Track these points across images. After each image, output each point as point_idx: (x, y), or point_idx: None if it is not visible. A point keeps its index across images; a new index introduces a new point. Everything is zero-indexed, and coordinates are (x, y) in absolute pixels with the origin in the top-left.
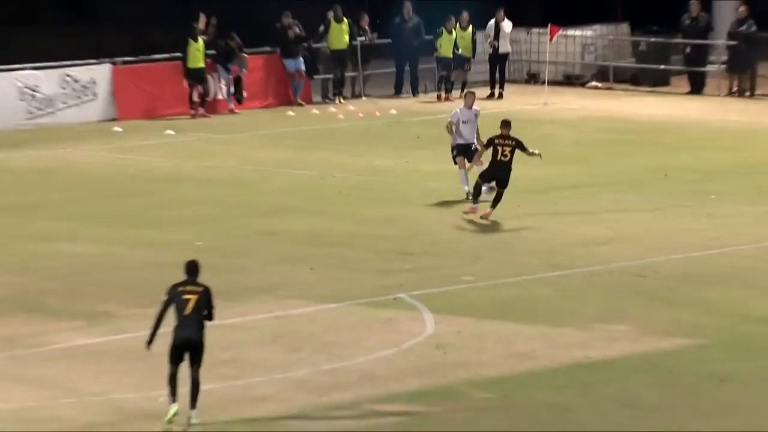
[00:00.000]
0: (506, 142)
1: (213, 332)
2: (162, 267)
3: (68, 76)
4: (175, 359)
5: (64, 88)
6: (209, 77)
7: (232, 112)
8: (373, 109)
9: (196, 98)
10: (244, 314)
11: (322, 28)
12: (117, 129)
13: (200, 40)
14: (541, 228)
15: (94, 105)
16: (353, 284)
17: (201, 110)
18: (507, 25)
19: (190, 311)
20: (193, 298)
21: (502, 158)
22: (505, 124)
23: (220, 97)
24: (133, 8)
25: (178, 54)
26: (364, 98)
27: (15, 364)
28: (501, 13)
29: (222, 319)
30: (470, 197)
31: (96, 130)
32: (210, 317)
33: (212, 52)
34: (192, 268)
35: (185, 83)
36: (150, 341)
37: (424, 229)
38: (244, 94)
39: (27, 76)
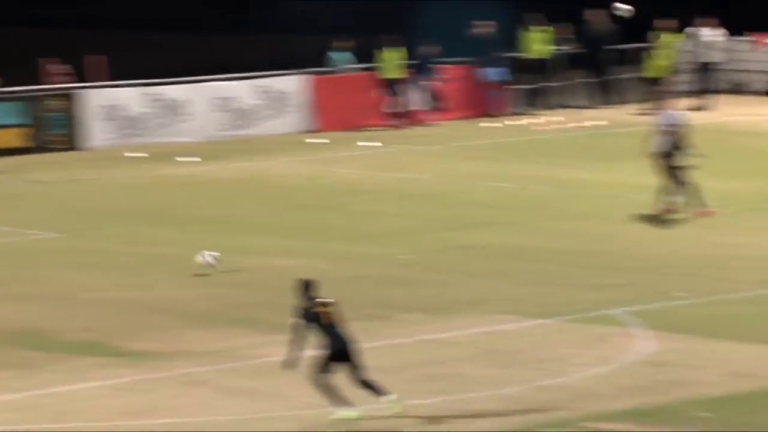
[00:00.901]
0: None
1: (424, 346)
2: (364, 281)
3: (265, 87)
4: (329, 370)
5: (261, 99)
6: (406, 87)
7: (429, 123)
8: (574, 119)
9: (392, 109)
10: (452, 329)
11: (517, 36)
12: (315, 140)
13: (395, 50)
14: (757, 245)
15: (292, 116)
16: (561, 299)
17: (398, 121)
18: (712, 33)
19: (335, 322)
20: (329, 311)
21: None
22: None
23: (416, 107)
24: (329, 16)
25: (374, 64)
26: (565, 108)
27: (229, 377)
28: (705, 21)
29: (431, 334)
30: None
31: (293, 142)
32: None
33: (410, 61)
34: (310, 285)
35: (381, 93)
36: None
37: (629, 243)
38: (442, 104)
39: (223, 87)
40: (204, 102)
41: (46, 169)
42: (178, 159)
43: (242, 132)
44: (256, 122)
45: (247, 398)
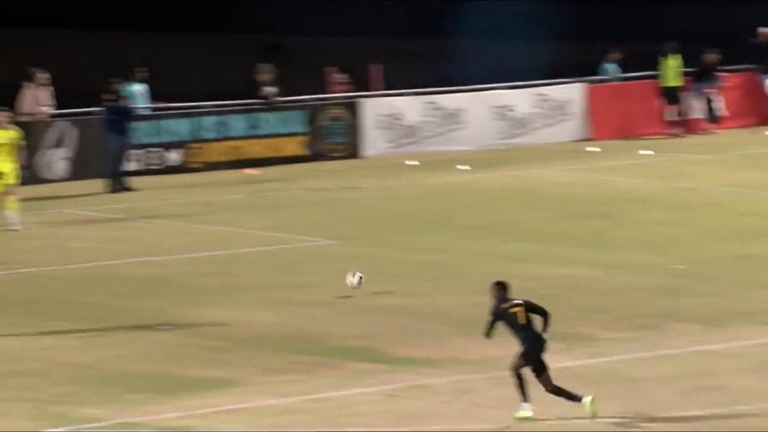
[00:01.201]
0: None
1: (694, 357)
2: (639, 290)
3: (542, 95)
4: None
5: (538, 108)
6: (686, 95)
7: (708, 131)
8: None
9: (672, 117)
10: (726, 340)
11: None
12: (591, 149)
13: (676, 57)
14: None
15: (569, 124)
16: None
17: (677, 129)
18: None
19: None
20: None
21: None
22: None
23: (697, 116)
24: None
25: (654, 72)
26: None
27: (496, 385)
28: None
29: (703, 345)
30: None
31: (569, 150)
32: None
33: (690, 69)
34: (505, 286)
35: (661, 102)
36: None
37: None
38: (722, 113)
39: (501, 95)
40: (481, 110)
41: (324, 177)
42: (459, 167)
43: (518, 140)
44: (532, 131)
45: (512, 407)
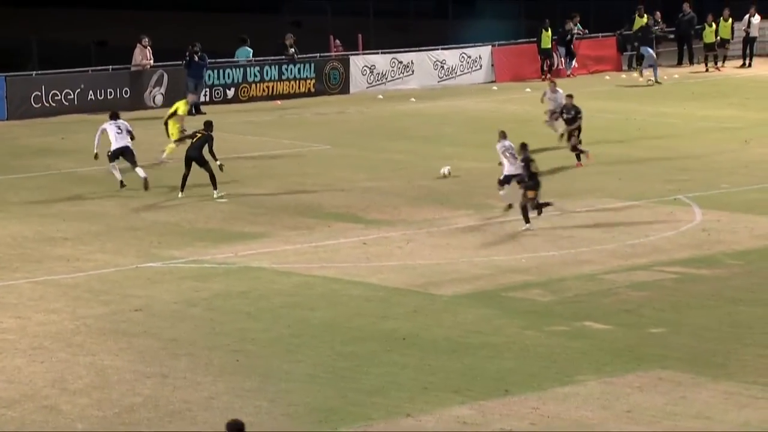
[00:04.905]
0: None
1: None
2: None
3: (464, 53)
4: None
5: (461, 61)
6: (554, 54)
7: (568, 76)
8: (660, 75)
9: (545, 68)
10: (574, 208)
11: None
12: (494, 88)
13: (549, 29)
14: None
15: (479, 72)
16: (646, 189)
17: (548, 76)
18: (756, 18)
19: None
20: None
21: None
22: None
23: (561, 67)
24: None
25: (534, 39)
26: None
27: (430, 237)
28: (752, 9)
29: (554, 210)
30: None
31: (481, 89)
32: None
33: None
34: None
35: (538, 58)
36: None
37: (694, 153)
38: (575, 63)
39: (438, 54)
40: (425, 63)
41: (325, 106)
42: (411, 100)
43: (447, 83)
44: (457, 76)
45: (443, 250)
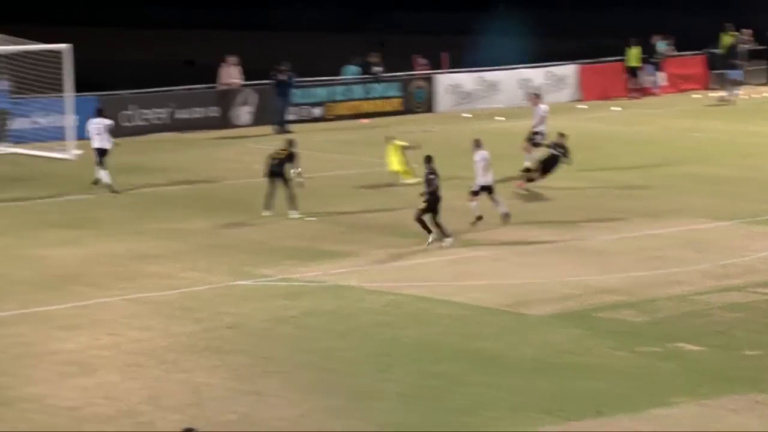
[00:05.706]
0: None
1: (644, 238)
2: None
3: (550, 71)
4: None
5: (546, 80)
6: (640, 72)
7: (655, 94)
8: (748, 92)
9: (632, 86)
10: (665, 227)
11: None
12: (580, 106)
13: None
14: None
15: (566, 91)
16: (739, 208)
17: (636, 94)
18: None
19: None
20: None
21: None
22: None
23: (647, 85)
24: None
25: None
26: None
27: (518, 255)
28: None
29: (645, 230)
30: None
31: (567, 108)
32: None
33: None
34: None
35: (625, 77)
36: None
37: None
38: (663, 81)
39: (523, 72)
40: (511, 82)
41: (411, 124)
42: (496, 118)
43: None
44: (543, 95)
45: (530, 269)
